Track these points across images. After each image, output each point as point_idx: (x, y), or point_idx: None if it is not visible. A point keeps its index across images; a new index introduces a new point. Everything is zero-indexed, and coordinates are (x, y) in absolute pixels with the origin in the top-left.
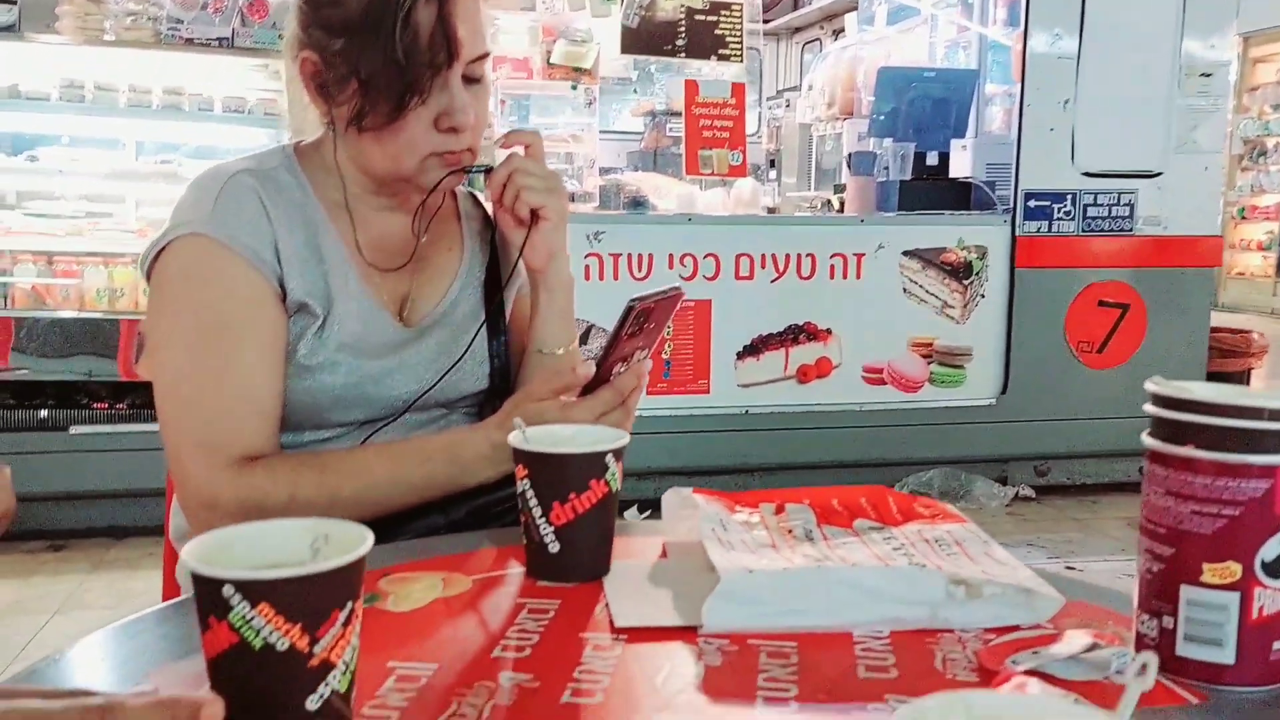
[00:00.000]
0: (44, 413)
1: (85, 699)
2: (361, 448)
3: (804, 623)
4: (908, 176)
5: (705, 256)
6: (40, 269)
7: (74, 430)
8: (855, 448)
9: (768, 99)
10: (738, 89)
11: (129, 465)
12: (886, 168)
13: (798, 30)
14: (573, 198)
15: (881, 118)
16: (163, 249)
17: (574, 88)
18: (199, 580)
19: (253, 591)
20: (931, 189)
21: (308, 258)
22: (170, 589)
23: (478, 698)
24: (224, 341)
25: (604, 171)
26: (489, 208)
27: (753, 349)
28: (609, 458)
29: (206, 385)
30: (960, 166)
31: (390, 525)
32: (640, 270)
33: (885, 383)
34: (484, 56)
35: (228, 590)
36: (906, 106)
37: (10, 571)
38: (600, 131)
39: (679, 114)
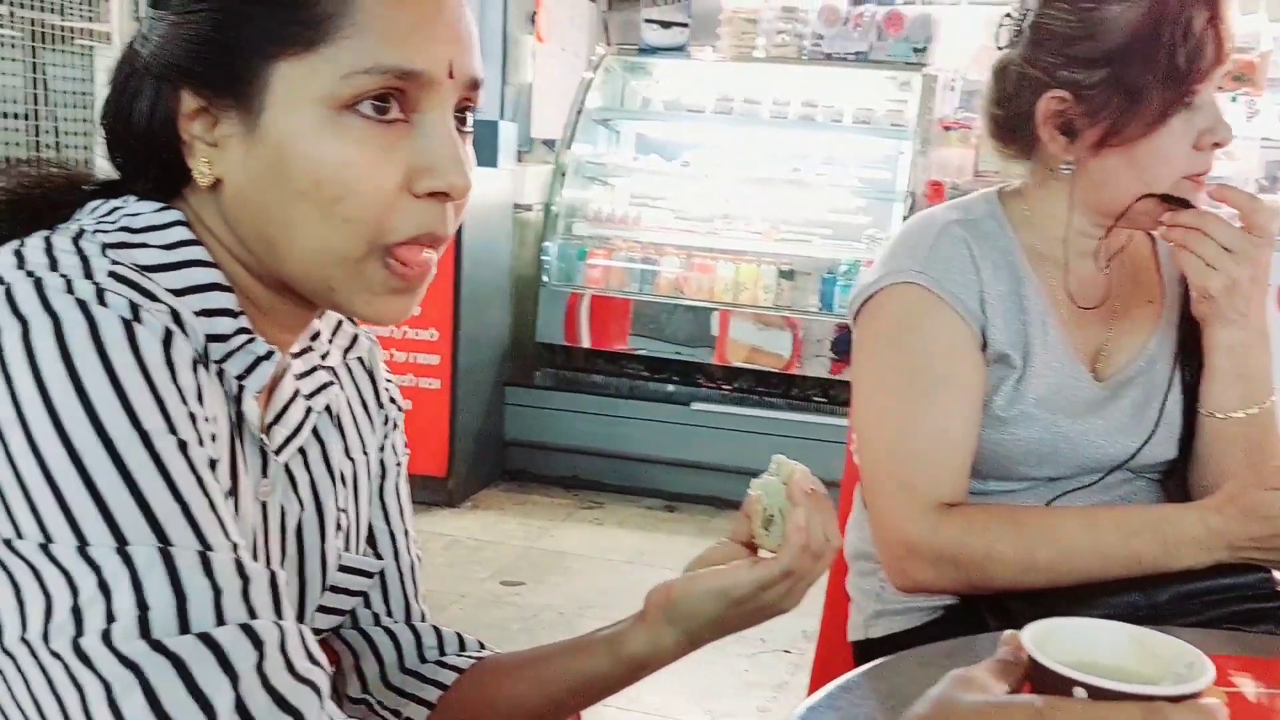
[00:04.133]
0: (670, 387)
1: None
2: (1059, 510)
3: None
4: None
5: None
6: (681, 262)
7: (694, 406)
8: None
9: None
10: None
11: (738, 443)
12: None
13: None
14: None
15: None
16: (874, 294)
17: (1234, 99)
18: (1044, 671)
19: (1103, 698)
20: None
21: (1010, 308)
22: (836, 597)
23: None
24: (929, 389)
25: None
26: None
27: None
28: None
29: (910, 430)
30: None
31: (1081, 596)
32: None
33: None
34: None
35: (1079, 692)
36: None
37: (634, 524)
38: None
39: None
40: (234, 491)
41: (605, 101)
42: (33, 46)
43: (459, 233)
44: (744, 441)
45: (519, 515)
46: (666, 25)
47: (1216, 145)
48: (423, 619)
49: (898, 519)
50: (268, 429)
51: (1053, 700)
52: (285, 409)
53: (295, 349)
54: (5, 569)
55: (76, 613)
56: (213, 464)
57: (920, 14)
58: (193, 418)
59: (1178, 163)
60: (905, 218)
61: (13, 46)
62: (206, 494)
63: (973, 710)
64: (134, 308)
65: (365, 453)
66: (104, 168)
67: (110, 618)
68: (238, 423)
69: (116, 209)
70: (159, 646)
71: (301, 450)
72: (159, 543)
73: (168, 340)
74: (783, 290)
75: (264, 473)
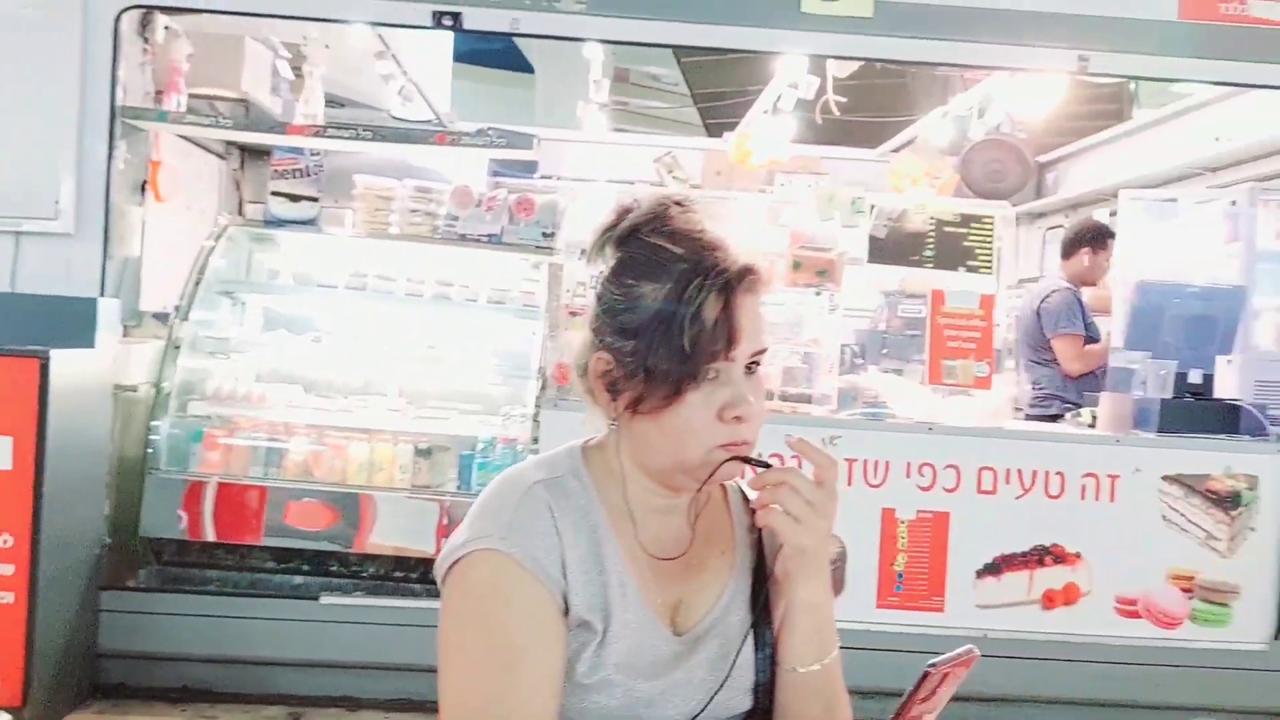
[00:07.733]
0: (298, 579)
1: None
2: None
3: None
4: (1168, 395)
5: (945, 467)
6: (312, 440)
7: (324, 600)
8: (1104, 685)
9: (1007, 287)
10: (986, 301)
11: (370, 637)
12: (1144, 383)
13: (1040, 216)
14: (809, 399)
15: (1138, 332)
16: (459, 559)
17: (817, 294)
18: None
19: None
20: (1194, 410)
21: (590, 569)
22: None
23: None
24: (510, 661)
25: (843, 370)
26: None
27: (993, 568)
28: None
29: (489, 703)
30: (1226, 386)
31: None
32: (876, 477)
33: (1140, 616)
34: (762, 351)
35: None
36: (1167, 322)
37: None
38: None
39: (914, 296)
40: None
41: (228, 272)
42: None
43: (39, 423)
44: (379, 635)
45: None
46: (295, 199)
47: (738, 419)
48: None
49: None
50: None
51: None
52: None
53: None
54: None
55: None
56: None
57: (549, 200)
58: None
59: (705, 433)
60: (538, 399)
61: None
62: None
63: None
64: None
65: None
66: None
67: None
68: None
69: None
70: None
71: None
72: None
73: None
74: (420, 469)
75: None
